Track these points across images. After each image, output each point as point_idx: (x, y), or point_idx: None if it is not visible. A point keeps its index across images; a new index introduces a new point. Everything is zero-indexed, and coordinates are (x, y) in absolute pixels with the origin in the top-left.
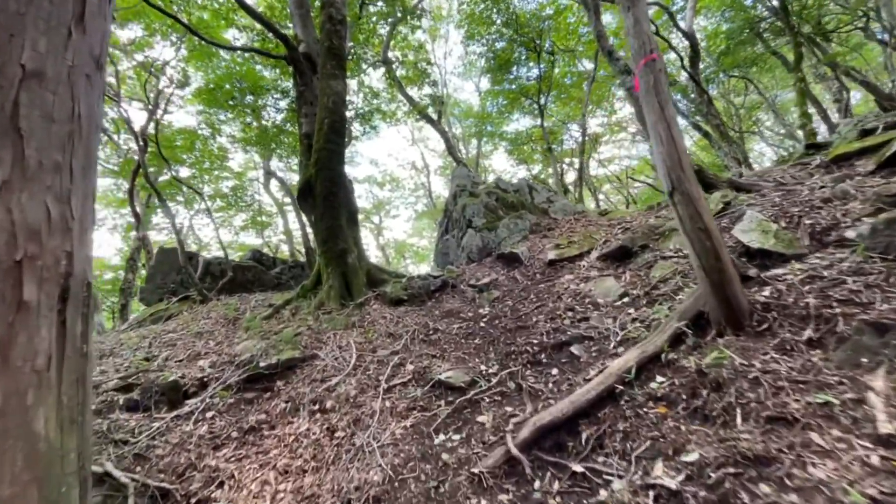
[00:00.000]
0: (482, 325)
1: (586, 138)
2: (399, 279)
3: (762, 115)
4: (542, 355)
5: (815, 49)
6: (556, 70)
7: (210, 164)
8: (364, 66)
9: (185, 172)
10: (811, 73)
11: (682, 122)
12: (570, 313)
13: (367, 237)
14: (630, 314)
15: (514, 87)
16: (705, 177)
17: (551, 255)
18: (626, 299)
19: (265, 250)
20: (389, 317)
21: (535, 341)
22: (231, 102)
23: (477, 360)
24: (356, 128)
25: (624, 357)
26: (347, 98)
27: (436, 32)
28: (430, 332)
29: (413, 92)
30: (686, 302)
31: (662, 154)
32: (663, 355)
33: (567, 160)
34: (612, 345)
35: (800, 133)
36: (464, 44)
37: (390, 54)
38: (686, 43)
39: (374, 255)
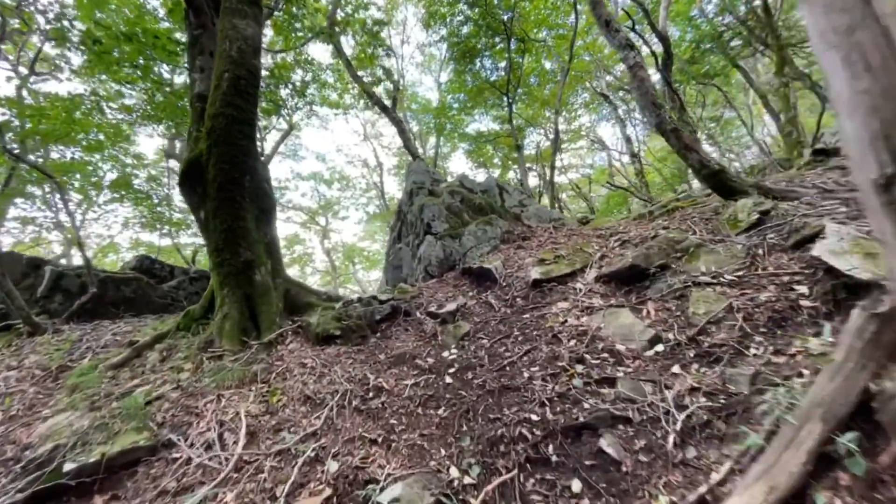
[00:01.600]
0: (449, 380)
1: (554, 139)
2: (332, 303)
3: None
4: (550, 447)
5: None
6: (525, 62)
7: (108, 142)
8: (300, 34)
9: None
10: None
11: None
12: (580, 367)
13: (311, 240)
14: (680, 376)
15: (477, 81)
16: (727, 179)
17: (535, 272)
18: (660, 347)
19: (172, 260)
20: (311, 364)
21: (535, 417)
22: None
23: (443, 451)
24: (292, 110)
25: (737, 501)
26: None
27: (392, 14)
28: (371, 394)
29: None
30: (828, 385)
31: (863, 97)
32: (811, 497)
33: (529, 165)
34: (670, 440)
35: (767, 141)
36: (423, 27)
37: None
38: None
39: (319, 261)
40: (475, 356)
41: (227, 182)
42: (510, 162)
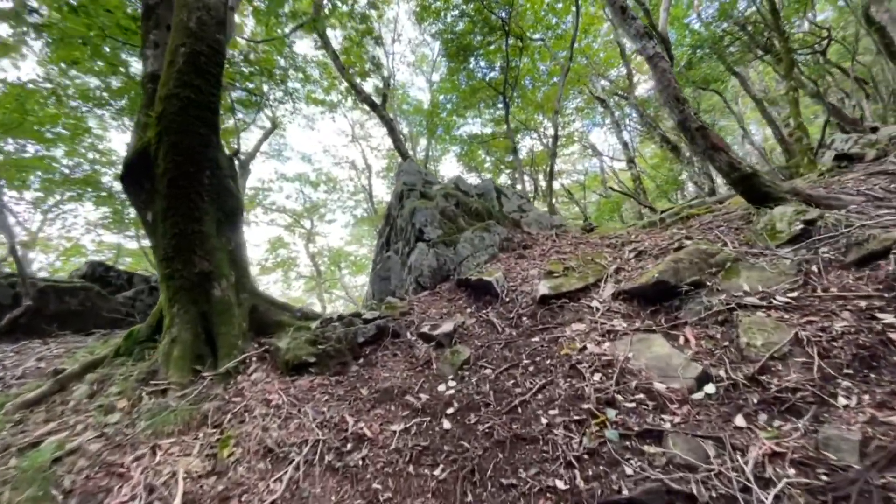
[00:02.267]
0: (447, 424)
1: (553, 141)
2: (307, 322)
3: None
4: None
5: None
6: (522, 62)
7: (70, 136)
8: (284, 20)
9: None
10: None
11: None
12: (611, 412)
13: (297, 243)
14: (749, 432)
15: (472, 81)
16: (761, 184)
17: (543, 287)
18: (710, 388)
19: (143, 267)
20: (277, 401)
21: (562, 485)
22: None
23: None
24: (273, 104)
25: None
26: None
27: (383, 8)
28: (350, 446)
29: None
30: None
31: None
32: None
33: (526, 169)
34: None
35: (769, 146)
36: (416, 22)
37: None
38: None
39: (304, 265)
40: (478, 391)
41: (180, 177)
42: (502, 166)
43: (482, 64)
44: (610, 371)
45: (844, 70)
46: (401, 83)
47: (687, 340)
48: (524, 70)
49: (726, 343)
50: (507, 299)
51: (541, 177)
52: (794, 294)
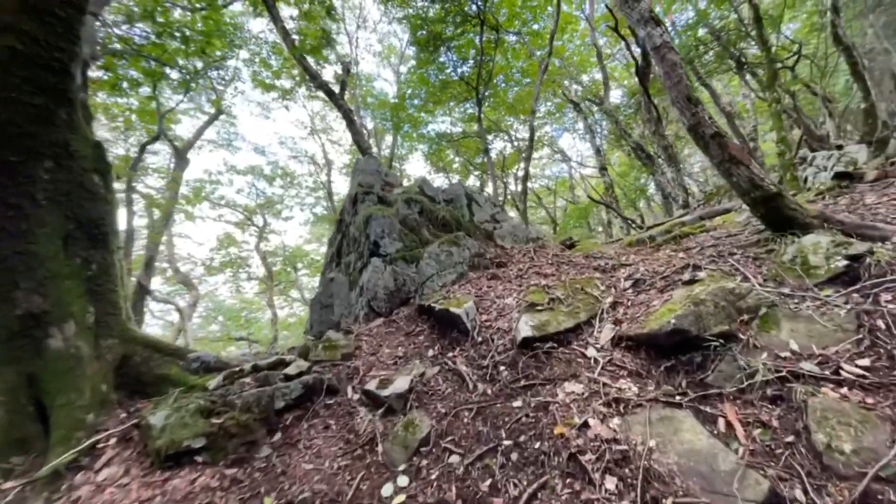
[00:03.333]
0: None
1: (529, 143)
2: (205, 377)
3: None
4: None
5: (751, 74)
6: (496, 59)
7: None
8: None
9: None
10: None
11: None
12: None
13: (249, 241)
14: None
15: (443, 75)
16: (786, 206)
17: (525, 326)
18: None
19: None
20: None
21: None
22: None
23: None
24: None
25: None
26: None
27: None
28: None
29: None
30: None
31: None
32: None
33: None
34: None
35: None
36: (381, 3)
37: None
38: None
39: (256, 265)
40: (441, 499)
41: None
42: (471, 168)
43: (454, 57)
44: (628, 473)
45: (810, 87)
46: (366, 75)
47: (730, 426)
48: (498, 68)
49: (791, 437)
50: (480, 339)
51: (511, 180)
52: (866, 361)
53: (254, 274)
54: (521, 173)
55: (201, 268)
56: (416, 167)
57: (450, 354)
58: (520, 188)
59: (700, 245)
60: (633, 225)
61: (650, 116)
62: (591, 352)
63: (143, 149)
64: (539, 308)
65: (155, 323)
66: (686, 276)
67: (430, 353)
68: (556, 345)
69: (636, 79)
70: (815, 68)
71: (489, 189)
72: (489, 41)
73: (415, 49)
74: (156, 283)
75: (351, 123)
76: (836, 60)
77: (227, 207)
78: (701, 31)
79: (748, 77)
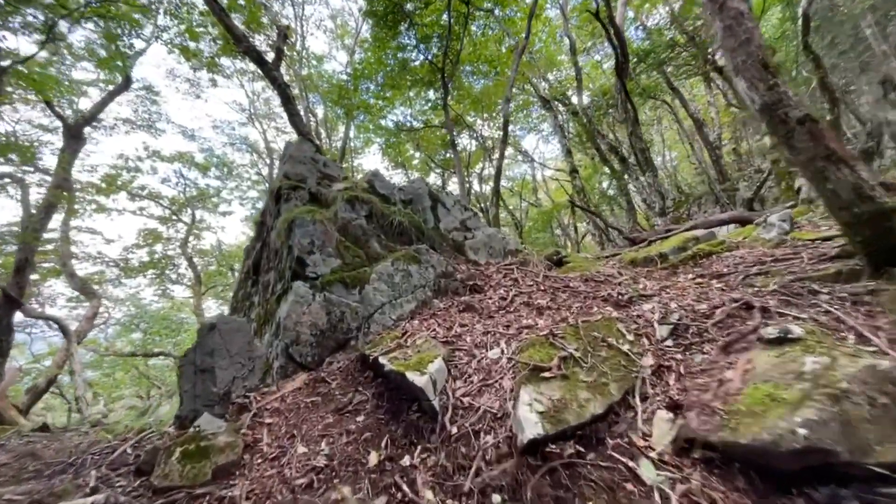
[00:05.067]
0: None
1: (503, 135)
2: None
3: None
4: None
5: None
6: (465, 38)
7: None
8: None
9: None
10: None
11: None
12: None
13: (177, 239)
14: None
15: (402, 54)
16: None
17: (531, 414)
18: None
19: None
20: None
21: None
22: None
23: None
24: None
25: None
26: None
27: None
28: None
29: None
30: None
31: None
32: None
33: (452, 171)
34: None
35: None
36: None
37: None
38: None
39: (186, 265)
40: None
41: None
42: (432, 164)
43: (416, 37)
44: None
45: None
46: (316, 55)
47: None
48: (464, 57)
49: None
50: (455, 429)
51: (475, 180)
52: None
53: (184, 275)
54: (488, 171)
55: (115, 269)
56: (372, 162)
57: (406, 462)
58: (485, 189)
59: (737, 270)
60: (622, 235)
61: (626, 116)
62: (645, 470)
63: None
64: (546, 375)
65: (40, 341)
66: (770, 331)
67: (374, 457)
68: (582, 448)
69: (613, 78)
70: (786, 76)
71: (452, 188)
72: (459, 16)
73: (370, 23)
74: (61, 289)
75: (288, 102)
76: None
77: (149, 199)
78: (673, 33)
79: (717, 84)
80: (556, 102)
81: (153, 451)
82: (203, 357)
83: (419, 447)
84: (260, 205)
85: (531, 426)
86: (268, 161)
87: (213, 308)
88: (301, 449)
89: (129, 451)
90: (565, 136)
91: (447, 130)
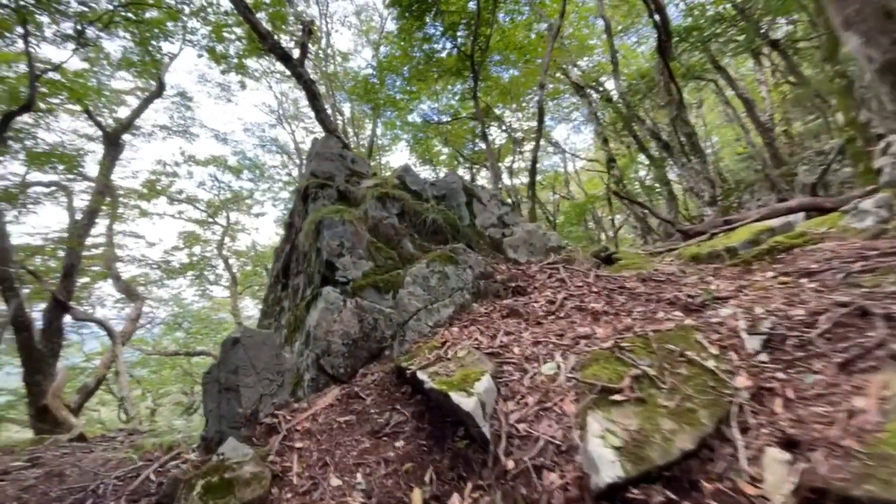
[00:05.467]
0: None
1: (539, 123)
2: None
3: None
4: None
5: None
6: (494, 25)
7: None
8: None
9: None
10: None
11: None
12: None
13: (212, 241)
14: None
15: (428, 47)
16: None
17: (605, 451)
18: None
19: None
20: None
21: None
22: None
23: None
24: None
25: None
26: None
27: None
28: None
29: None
30: None
31: None
32: None
33: (478, 167)
34: None
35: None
36: None
37: None
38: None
39: (221, 268)
40: None
41: None
42: (460, 159)
43: (442, 26)
44: None
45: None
46: (342, 52)
47: None
48: (493, 45)
49: None
50: (511, 464)
51: (505, 174)
52: None
53: (221, 276)
54: (518, 164)
55: (158, 271)
56: (399, 159)
57: (455, 502)
58: (515, 182)
59: (832, 267)
60: (674, 228)
61: (670, 99)
62: None
63: (6, 122)
64: (617, 398)
65: (93, 340)
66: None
67: (417, 496)
68: (674, 496)
69: (652, 62)
70: None
71: (483, 182)
72: (487, 7)
73: (396, 14)
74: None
75: (314, 98)
76: None
77: (187, 203)
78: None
79: (769, 60)
80: (590, 90)
81: (174, 483)
82: (227, 375)
83: (469, 484)
84: (291, 206)
85: (607, 466)
86: (297, 161)
87: (251, 307)
88: (335, 481)
89: (152, 477)
90: (600, 123)
91: (478, 120)
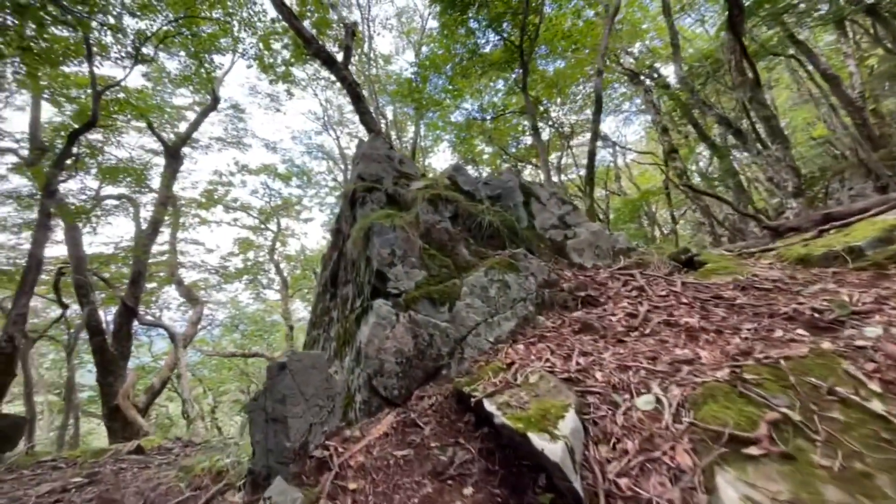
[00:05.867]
0: None
1: (596, 106)
2: None
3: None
4: None
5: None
6: (544, 13)
7: None
8: None
9: None
10: None
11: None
12: None
13: (265, 246)
14: None
15: (471, 42)
16: None
17: None
18: None
19: None
20: None
21: None
22: None
23: None
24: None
25: None
26: None
27: None
28: None
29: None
30: None
31: None
32: None
33: (523, 164)
34: None
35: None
36: None
37: None
38: None
39: (273, 272)
40: None
41: None
42: (503, 157)
43: (485, 19)
44: None
45: None
46: (384, 55)
47: None
48: (542, 36)
49: None
50: None
51: (552, 171)
52: None
53: (274, 280)
54: (565, 161)
55: (215, 276)
56: (441, 160)
57: None
58: (563, 180)
59: None
60: (762, 225)
61: (743, 79)
62: None
63: (72, 138)
64: (752, 452)
65: (161, 340)
66: None
67: None
68: None
69: (716, 42)
70: None
71: (539, 180)
72: None
73: (438, 11)
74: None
75: (358, 100)
76: None
77: (241, 210)
78: None
79: (858, 29)
80: (644, 77)
81: None
82: (274, 404)
83: None
84: (337, 211)
85: None
86: (342, 167)
87: (301, 310)
88: None
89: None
90: (658, 112)
91: (528, 114)
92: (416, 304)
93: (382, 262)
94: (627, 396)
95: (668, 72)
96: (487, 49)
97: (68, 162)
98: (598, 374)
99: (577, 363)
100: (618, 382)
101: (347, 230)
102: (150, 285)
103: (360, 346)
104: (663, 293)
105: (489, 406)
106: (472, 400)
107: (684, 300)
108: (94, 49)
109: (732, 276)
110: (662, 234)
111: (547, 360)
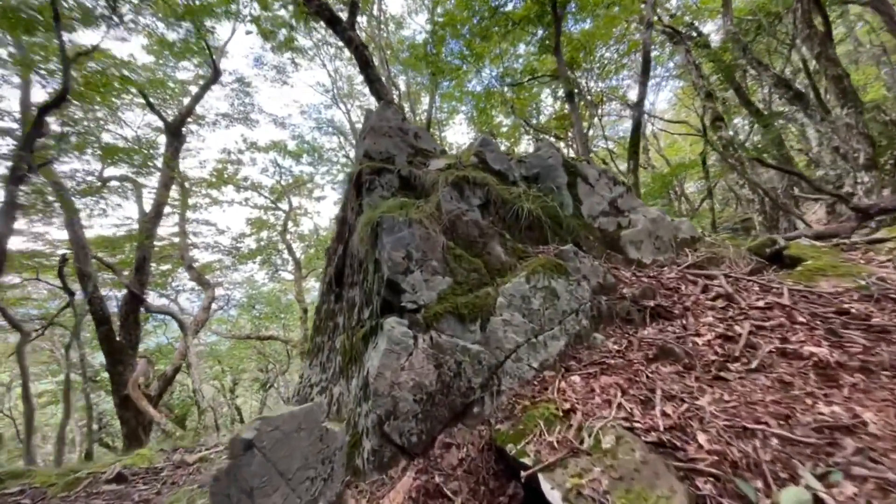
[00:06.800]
0: None
1: (644, 67)
2: None
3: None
4: None
5: None
6: None
7: None
8: None
9: None
10: None
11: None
12: None
13: (278, 225)
14: None
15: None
16: None
17: None
18: None
19: None
20: None
21: None
22: None
23: None
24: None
25: None
26: None
27: None
28: None
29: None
30: None
31: None
32: None
33: (546, 136)
34: None
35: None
36: None
37: None
38: None
39: (286, 252)
40: None
41: None
42: (524, 129)
43: None
44: None
45: None
46: (395, 18)
47: None
48: None
49: None
50: None
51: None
52: None
53: (287, 260)
54: (592, 132)
55: (228, 257)
56: (457, 133)
57: None
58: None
59: None
60: (850, 206)
61: (811, 31)
62: None
63: (41, 115)
64: None
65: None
66: None
67: None
68: None
69: None
70: None
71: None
72: None
73: None
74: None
75: (366, 65)
76: None
77: (252, 189)
78: None
79: None
80: (686, 35)
81: None
82: (240, 496)
83: None
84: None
85: None
86: (353, 142)
87: (315, 289)
88: None
89: None
90: (701, 76)
91: (560, 77)
92: (440, 322)
93: (395, 268)
94: (760, 485)
95: (708, 30)
96: (510, 7)
97: (50, 142)
98: (702, 438)
99: (664, 413)
100: (739, 458)
101: (353, 220)
102: (164, 267)
103: (369, 378)
104: (761, 304)
105: (548, 488)
106: (522, 473)
107: (802, 318)
108: (64, 12)
109: (848, 278)
110: (691, 210)
111: (620, 405)
